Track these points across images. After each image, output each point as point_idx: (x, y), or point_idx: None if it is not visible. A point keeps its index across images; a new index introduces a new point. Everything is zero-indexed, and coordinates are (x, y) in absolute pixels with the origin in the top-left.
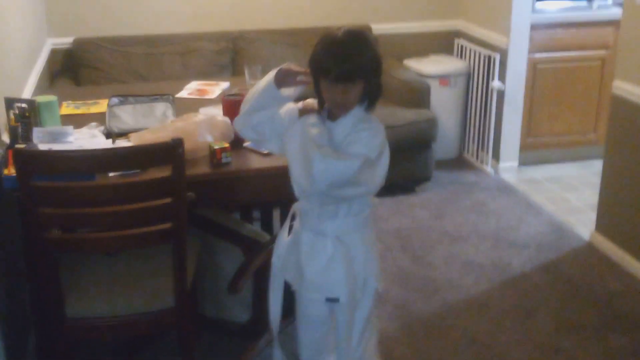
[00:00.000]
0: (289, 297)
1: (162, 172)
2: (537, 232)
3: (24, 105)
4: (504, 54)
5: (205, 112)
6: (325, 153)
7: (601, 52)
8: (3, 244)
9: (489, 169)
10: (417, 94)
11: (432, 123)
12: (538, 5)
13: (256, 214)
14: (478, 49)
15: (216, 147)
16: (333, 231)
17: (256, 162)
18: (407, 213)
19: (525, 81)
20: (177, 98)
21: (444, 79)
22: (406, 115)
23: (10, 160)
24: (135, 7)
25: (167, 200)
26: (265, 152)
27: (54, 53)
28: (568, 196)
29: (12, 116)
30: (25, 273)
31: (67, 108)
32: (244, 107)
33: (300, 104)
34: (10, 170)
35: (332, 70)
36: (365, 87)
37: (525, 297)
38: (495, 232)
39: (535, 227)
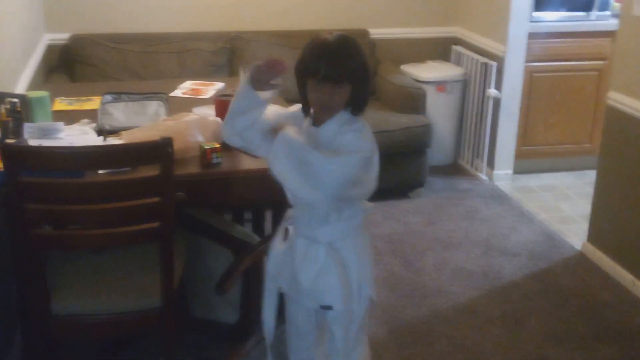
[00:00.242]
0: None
1: (152, 171)
2: (529, 241)
3: (15, 100)
4: (500, 62)
5: (198, 112)
6: (325, 154)
7: (598, 63)
8: None
9: (483, 176)
10: (412, 100)
11: (427, 129)
12: (536, 14)
13: (248, 215)
14: (475, 56)
15: (207, 147)
16: (325, 237)
17: (247, 163)
18: (399, 218)
19: (522, 90)
20: (171, 97)
21: (440, 85)
22: (401, 120)
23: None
24: (133, 5)
25: (155, 199)
26: None
27: (50, 48)
28: (561, 206)
29: (3, 111)
30: (12, 269)
31: (60, 104)
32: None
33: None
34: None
35: (321, 69)
36: (352, 91)
37: (514, 305)
38: (487, 239)
39: (527, 236)
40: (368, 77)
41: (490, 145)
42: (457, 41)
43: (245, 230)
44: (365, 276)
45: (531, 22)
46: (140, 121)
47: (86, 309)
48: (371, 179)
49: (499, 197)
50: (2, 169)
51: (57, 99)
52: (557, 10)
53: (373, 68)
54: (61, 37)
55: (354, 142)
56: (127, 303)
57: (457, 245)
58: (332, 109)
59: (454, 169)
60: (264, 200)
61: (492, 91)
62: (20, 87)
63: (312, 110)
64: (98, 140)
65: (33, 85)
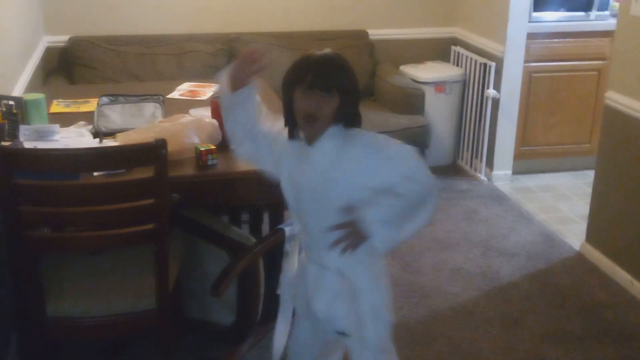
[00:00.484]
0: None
1: (147, 173)
2: (527, 241)
3: (11, 102)
4: (499, 63)
5: (194, 114)
6: (405, 181)
7: (598, 63)
8: None
9: (482, 176)
10: (411, 100)
11: (425, 129)
12: (535, 14)
13: (245, 216)
14: (474, 56)
15: (202, 148)
16: (335, 264)
17: (242, 165)
18: None
19: (521, 90)
20: (169, 99)
21: (439, 85)
22: (400, 121)
23: None
24: (131, 7)
25: (150, 201)
26: None
27: (49, 51)
28: (560, 206)
29: None
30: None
31: (57, 106)
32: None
33: None
34: None
35: (309, 76)
36: (340, 104)
37: (513, 305)
38: (486, 240)
39: (525, 236)
40: (357, 93)
41: (489, 146)
42: (456, 42)
43: (241, 232)
44: (382, 302)
45: (530, 22)
46: (136, 123)
47: (82, 311)
48: (422, 172)
49: (498, 198)
50: None
51: (55, 101)
52: (556, 10)
53: (372, 69)
54: (60, 39)
55: (396, 148)
56: (123, 305)
57: (456, 246)
58: (318, 121)
59: (452, 170)
60: (259, 201)
61: (491, 91)
62: (19, 89)
63: (298, 123)
64: (94, 143)
65: (31, 88)
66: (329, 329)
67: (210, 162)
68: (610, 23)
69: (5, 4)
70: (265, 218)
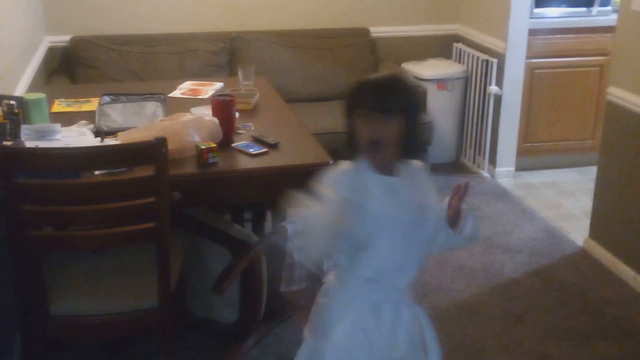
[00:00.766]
0: (274, 299)
1: (147, 171)
2: (531, 238)
3: (12, 102)
4: (501, 59)
5: (195, 112)
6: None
7: (600, 59)
8: None
9: (485, 173)
10: None
11: (428, 126)
12: (537, 10)
13: (248, 215)
14: (476, 53)
15: (203, 147)
16: (409, 297)
17: (244, 163)
18: None
19: (523, 86)
20: (170, 97)
21: (441, 82)
22: None
23: None
24: (132, 7)
25: (151, 199)
26: (254, 152)
27: (51, 51)
28: (564, 202)
29: (0, 113)
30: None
31: (59, 106)
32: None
33: None
34: None
35: (368, 100)
36: (404, 127)
37: (516, 302)
38: (489, 236)
39: (528, 233)
40: (420, 113)
41: (492, 143)
42: (458, 38)
43: (243, 230)
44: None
45: (532, 18)
46: (137, 122)
47: (84, 310)
48: None
49: (501, 194)
50: None
51: (56, 101)
52: (558, 6)
53: (374, 67)
54: (62, 39)
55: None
56: (125, 303)
57: None
58: (382, 147)
59: (455, 167)
60: (260, 199)
61: (493, 88)
62: (21, 89)
63: (361, 151)
64: (95, 142)
65: (33, 88)
66: None
67: (211, 160)
68: (612, 19)
69: (7, 5)
70: (268, 216)
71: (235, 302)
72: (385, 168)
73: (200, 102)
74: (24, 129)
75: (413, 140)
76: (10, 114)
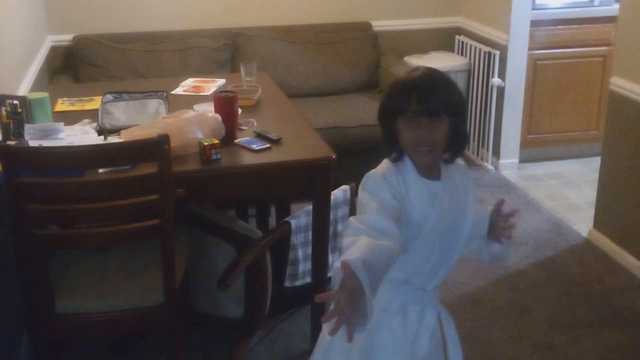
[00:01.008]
0: (279, 294)
1: (151, 168)
2: (535, 229)
3: (15, 101)
4: (504, 51)
5: (199, 109)
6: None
7: (602, 49)
8: None
9: (489, 166)
10: None
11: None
12: (539, 1)
13: (252, 211)
14: (478, 45)
15: (206, 143)
16: (436, 299)
17: (247, 159)
18: None
19: (526, 78)
20: (173, 95)
21: None
22: None
23: None
24: (134, 5)
25: (155, 196)
26: (257, 148)
27: (54, 50)
28: (568, 193)
29: (3, 112)
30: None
31: (62, 105)
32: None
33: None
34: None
35: (413, 103)
36: (451, 127)
37: (521, 293)
38: None
39: (533, 224)
40: (465, 109)
41: (496, 135)
42: (460, 31)
43: (247, 226)
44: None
45: (534, 9)
46: (140, 120)
47: (90, 308)
48: None
49: (505, 186)
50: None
51: (59, 100)
52: None
53: (376, 60)
54: (64, 38)
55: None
56: (130, 301)
57: None
58: (432, 148)
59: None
60: (263, 195)
61: (496, 80)
62: (24, 89)
63: (407, 153)
64: (98, 140)
65: (36, 87)
66: None
67: (214, 157)
68: (614, 8)
69: (9, 5)
70: (272, 212)
71: (240, 297)
72: (431, 170)
73: (203, 99)
74: (28, 129)
75: (460, 139)
76: (13, 113)
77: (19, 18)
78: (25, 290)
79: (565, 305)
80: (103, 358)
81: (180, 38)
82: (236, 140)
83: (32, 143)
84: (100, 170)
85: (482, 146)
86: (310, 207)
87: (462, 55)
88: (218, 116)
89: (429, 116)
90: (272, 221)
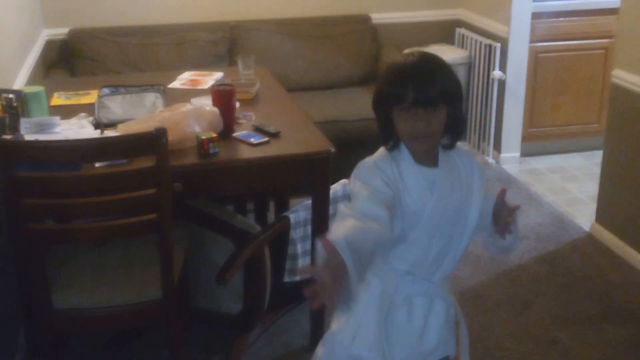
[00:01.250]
0: (278, 289)
1: (148, 162)
2: (537, 223)
3: (11, 95)
4: (504, 44)
5: (196, 103)
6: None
7: (604, 41)
8: None
9: (490, 159)
10: None
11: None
12: None
13: (250, 206)
14: (479, 38)
15: (203, 137)
16: (443, 290)
17: (245, 153)
18: None
19: (527, 71)
20: (170, 88)
21: None
22: None
23: None
24: None
25: (152, 190)
26: (255, 142)
27: (49, 44)
28: (570, 187)
29: None
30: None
31: (58, 99)
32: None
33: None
34: None
35: (409, 94)
36: (448, 115)
37: (522, 288)
38: None
39: (535, 218)
40: (461, 95)
41: (497, 128)
42: (460, 23)
43: (246, 220)
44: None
45: (535, 1)
46: (137, 113)
47: (88, 303)
48: None
49: (507, 180)
50: None
51: (55, 94)
52: None
53: (375, 53)
54: (60, 32)
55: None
56: (128, 296)
57: None
58: (430, 138)
59: None
60: (262, 188)
61: (496, 73)
62: (19, 83)
63: (404, 142)
64: (95, 134)
65: (32, 81)
66: None
67: (212, 151)
68: (616, 0)
69: None
70: (271, 207)
71: (239, 293)
72: (428, 158)
73: (200, 93)
74: (24, 123)
75: (457, 126)
76: (9, 107)
77: (14, 12)
78: (22, 285)
79: (567, 299)
80: (101, 354)
81: (177, 31)
82: (234, 134)
83: (28, 137)
84: (97, 164)
85: (483, 140)
86: (309, 201)
87: (462, 48)
88: (216, 110)
89: (426, 107)
90: (271, 216)
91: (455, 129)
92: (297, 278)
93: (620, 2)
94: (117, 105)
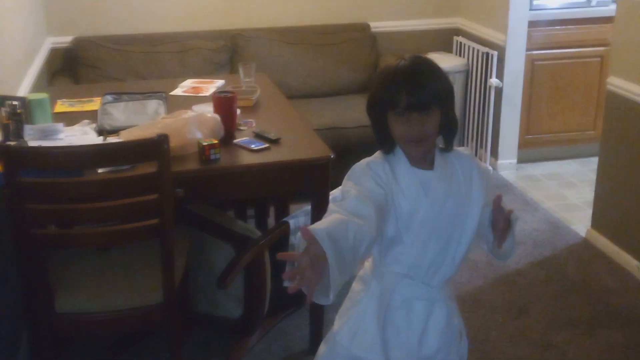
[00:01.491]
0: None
1: (150, 168)
2: (533, 229)
3: (15, 102)
4: (501, 52)
5: (198, 109)
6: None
7: (600, 49)
8: None
9: (487, 166)
10: None
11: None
12: (536, 2)
13: (251, 212)
14: (476, 46)
15: (205, 143)
16: (444, 293)
17: (246, 159)
18: None
19: (524, 78)
20: (172, 96)
21: None
22: None
23: None
24: (134, 7)
25: (154, 196)
26: (255, 148)
27: (53, 52)
28: (566, 193)
29: (3, 114)
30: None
31: (62, 106)
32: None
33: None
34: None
35: (402, 99)
36: (441, 117)
37: (519, 293)
38: None
39: (531, 224)
40: (453, 98)
41: (494, 135)
42: (458, 32)
43: (246, 225)
44: (463, 324)
45: (531, 10)
46: (140, 120)
47: (90, 307)
48: None
49: (504, 187)
50: (2, 170)
51: (59, 101)
52: None
53: (374, 61)
54: (64, 40)
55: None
56: (130, 300)
57: None
58: (425, 141)
59: None
60: (262, 194)
61: (494, 81)
62: (23, 90)
63: (399, 145)
64: (98, 141)
65: (36, 89)
66: None
67: (213, 157)
68: (611, 9)
69: (9, 7)
70: (271, 212)
71: (239, 297)
72: (423, 160)
73: (202, 100)
74: (28, 129)
75: (451, 128)
76: (13, 114)
77: (19, 20)
78: (25, 289)
79: (563, 304)
80: (103, 358)
81: (179, 39)
82: (235, 141)
83: (32, 143)
84: (100, 170)
85: (481, 147)
86: (309, 207)
87: (460, 56)
88: (217, 116)
89: (420, 111)
90: (271, 222)
91: (448, 130)
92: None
93: (615, 10)
94: (119, 112)
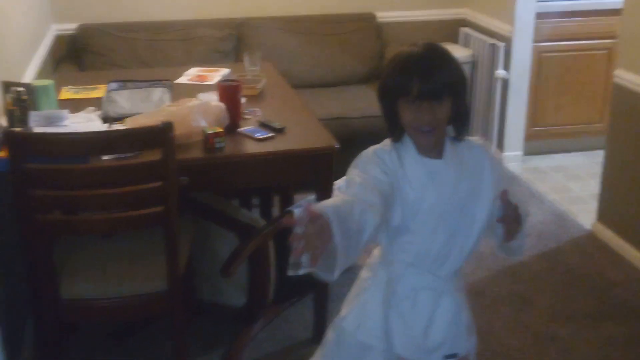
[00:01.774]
0: (282, 282)
1: (155, 156)
2: (539, 221)
3: (20, 88)
4: (508, 43)
5: (202, 98)
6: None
7: (608, 42)
8: (1, 229)
9: (500, 156)
10: None
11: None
12: None
13: (256, 201)
14: (483, 37)
15: (209, 132)
16: (453, 284)
17: (250, 147)
18: None
19: (530, 70)
20: (177, 84)
21: None
22: None
23: None
24: None
25: (158, 183)
26: (260, 137)
27: (58, 39)
28: (572, 186)
29: (9, 100)
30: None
31: (67, 93)
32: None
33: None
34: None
35: (414, 86)
36: (453, 104)
37: (523, 285)
38: None
39: (537, 216)
40: (466, 85)
41: (500, 127)
42: (465, 23)
43: (251, 214)
44: (471, 317)
45: (539, 1)
46: (144, 108)
47: (95, 293)
48: None
49: (509, 179)
50: (7, 157)
51: (64, 88)
52: None
53: (380, 52)
54: (69, 27)
55: (492, 154)
56: (134, 287)
57: None
58: (436, 129)
59: None
60: (267, 183)
61: (500, 72)
62: (28, 77)
63: (408, 132)
64: (103, 128)
65: (41, 76)
66: (435, 357)
67: (217, 145)
68: (619, 1)
69: None
70: (276, 202)
71: (243, 286)
72: (432, 149)
73: (207, 88)
74: (33, 116)
75: (462, 117)
76: (18, 100)
77: (24, 7)
78: (29, 275)
79: (567, 297)
80: (107, 344)
81: (184, 28)
82: (240, 129)
83: (37, 130)
84: (105, 157)
85: (487, 138)
86: (313, 197)
87: (466, 47)
88: (222, 105)
89: (431, 99)
90: (276, 211)
91: (460, 120)
92: (301, 272)
93: (623, 3)
94: (124, 100)
